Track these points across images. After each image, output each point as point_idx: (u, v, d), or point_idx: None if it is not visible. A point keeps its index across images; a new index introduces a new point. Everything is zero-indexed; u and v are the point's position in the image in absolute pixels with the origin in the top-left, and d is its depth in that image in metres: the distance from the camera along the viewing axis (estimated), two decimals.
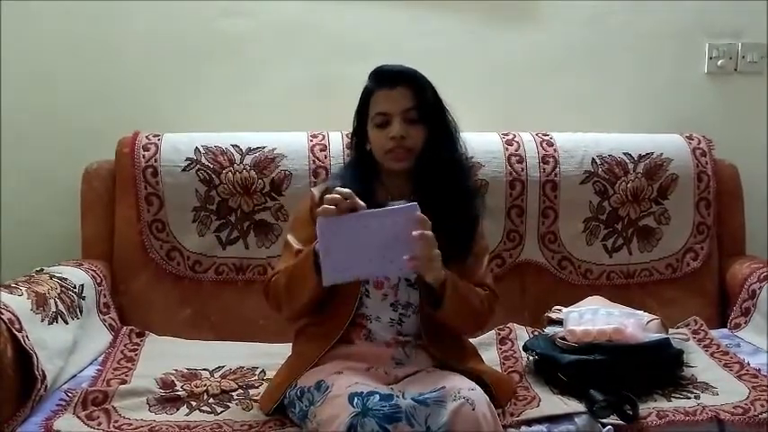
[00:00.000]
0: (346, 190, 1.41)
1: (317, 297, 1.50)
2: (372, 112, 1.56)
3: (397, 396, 1.38)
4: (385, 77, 1.56)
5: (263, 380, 1.72)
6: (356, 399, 1.35)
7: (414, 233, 1.38)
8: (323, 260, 1.38)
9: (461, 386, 1.41)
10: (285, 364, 1.62)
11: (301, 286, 1.49)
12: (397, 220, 1.38)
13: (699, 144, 2.19)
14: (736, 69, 2.34)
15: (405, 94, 1.54)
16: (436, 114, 1.58)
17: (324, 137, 2.08)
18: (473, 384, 1.44)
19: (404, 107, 1.54)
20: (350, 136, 1.66)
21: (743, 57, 2.33)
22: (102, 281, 1.93)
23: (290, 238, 1.60)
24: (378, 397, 1.35)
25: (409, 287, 1.56)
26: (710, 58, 2.33)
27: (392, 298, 1.57)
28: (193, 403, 1.61)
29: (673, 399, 1.62)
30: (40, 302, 1.66)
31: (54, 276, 1.79)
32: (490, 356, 1.81)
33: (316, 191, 1.62)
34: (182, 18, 2.20)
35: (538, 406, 1.57)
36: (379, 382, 1.46)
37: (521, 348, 1.83)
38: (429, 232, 1.40)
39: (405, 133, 1.53)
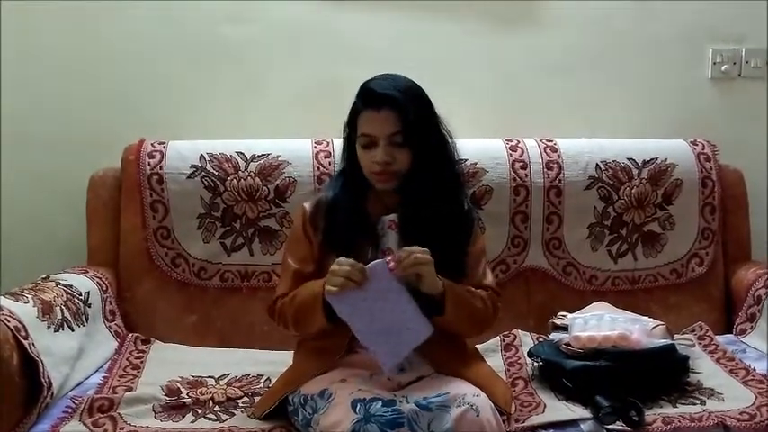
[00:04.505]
0: (350, 261, 1.43)
1: (325, 329, 1.51)
2: (359, 131, 1.55)
3: (400, 401, 1.38)
4: (371, 98, 1.53)
5: (268, 387, 1.72)
6: (359, 405, 1.36)
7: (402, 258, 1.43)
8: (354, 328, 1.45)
9: (466, 392, 1.41)
10: (284, 373, 1.62)
11: (310, 322, 1.51)
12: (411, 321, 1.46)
13: (703, 149, 2.19)
14: (739, 74, 2.34)
15: (389, 118, 1.51)
16: (423, 136, 1.54)
17: (328, 144, 2.09)
18: (477, 390, 1.44)
19: (389, 131, 1.51)
20: (343, 145, 1.65)
21: (746, 62, 2.33)
22: (107, 288, 1.93)
23: (288, 258, 1.62)
24: (380, 403, 1.36)
25: None
26: (714, 64, 2.33)
27: None
28: (199, 410, 1.61)
29: (678, 405, 1.62)
30: (46, 310, 1.67)
31: (60, 284, 1.79)
32: (495, 363, 1.80)
33: (307, 205, 1.63)
34: (186, 25, 2.21)
35: (543, 412, 1.56)
36: (382, 389, 1.46)
37: (525, 354, 1.83)
38: (411, 255, 1.43)
39: (390, 158, 1.52)
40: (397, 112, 1.51)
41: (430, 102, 1.57)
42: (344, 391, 1.42)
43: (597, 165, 2.11)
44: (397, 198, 1.59)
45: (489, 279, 1.63)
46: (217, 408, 1.63)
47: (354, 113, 1.56)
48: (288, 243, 1.70)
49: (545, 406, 1.59)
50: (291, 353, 1.67)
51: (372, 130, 1.52)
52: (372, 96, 1.53)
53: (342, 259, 1.44)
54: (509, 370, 1.80)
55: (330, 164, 2.04)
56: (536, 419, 1.54)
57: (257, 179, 2.03)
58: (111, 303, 1.94)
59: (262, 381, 1.75)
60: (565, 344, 1.71)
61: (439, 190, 1.56)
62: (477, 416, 1.35)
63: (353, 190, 1.59)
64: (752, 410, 1.58)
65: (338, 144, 2.07)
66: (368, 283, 1.42)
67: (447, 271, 1.51)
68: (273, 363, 1.79)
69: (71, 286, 1.81)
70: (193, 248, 2.01)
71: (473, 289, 1.56)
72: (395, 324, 1.45)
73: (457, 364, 1.56)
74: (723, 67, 2.33)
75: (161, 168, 2.02)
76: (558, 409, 1.58)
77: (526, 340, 1.92)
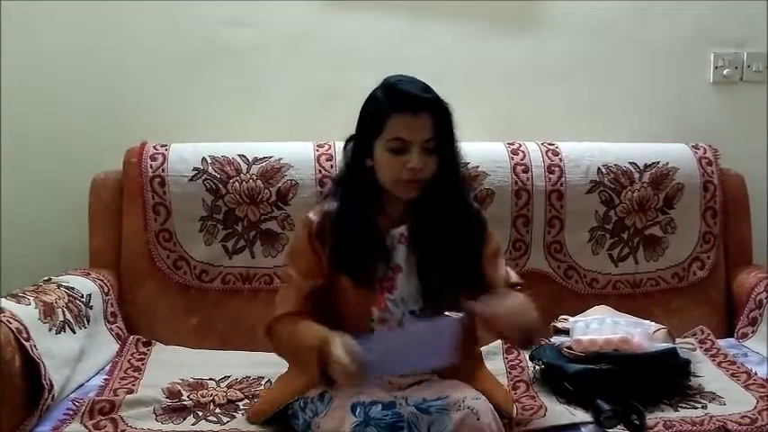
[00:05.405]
0: (351, 352, 1.32)
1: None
2: (389, 135, 1.44)
3: (400, 404, 1.37)
4: (407, 102, 1.44)
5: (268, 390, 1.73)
6: (358, 408, 1.35)
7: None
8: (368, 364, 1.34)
9: (466, 395, 1.40)
10: (281, 380, 1.58)
11: (303, 371, 1.44)
12: (436, 331, 1.36)
13: (705, 153, 2.19)
14: (741, 79, 2.33)
15: (426, 123, 1.44)
16: (451, 142, 1.49)
17: (330, 146, 2.09)
18: (478, 394, 1.43)
19: (425, 137, 1.44)
20: (346, 146, 1.54)
21: (748, 66, 2.33)
22: (109, 290, 1.93)
23: (291, 270, 1.53)
24: (380, 406, 1.36)
25: (412, 316, 1.51)
26: (716, 68, 2.33)
27: (395, 324, 1.51)
28: (200, 413, 1.61)
29: (680, 409, 1.62)
30: (48, 312, 1.67)
31: (62, 286, 1.80)
32: (496, 366, 1.81)
33: (313, 217, 1.53)
34: (188, 28, 2.21)
35: (544, 416, 1.56)
36: (383, 391, 1.45)
37: (527, 358, 1.83)
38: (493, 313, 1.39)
39: (423, 165, 1.44)
40: (433, 118, 1.45)
41: None
42: (344, 395, 1.41)
43: (599, 168, 2.11)
44: (405, 210, 1.51)
45: (513, 276, 1.57)
46: (218, 410, 1.63)
47: (382, 116, 1.45)
48: (291, 256, 1.58)
49: (546, 409, 1.59)
50: None
51: (408, 134, 1.43)
52: (409, 99, 1.44)
53: (337, 358, 1.32)
54: (510, 373, 1.80)
55: (332, 167, 2.04)
56: (537, 423, 1.54)
57: (259, 182, 2.03)
58: (112, 306, 1.94)
59: (262, 383, 1.75)
60: (566, 347, 1.71)
61: (452, 198, 1.50)
62: (478, 419, 1.35)
63: (364, 201, 1.49)
64: (753, 415, 1.58)
65: (340, 147, 2.09)
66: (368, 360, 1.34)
67: (466, 278, 1.47)
68: (274, 364, 1.76)
69: (73, 288, 1.81)
70: (195, 251, 2.01)
71: (521, 297, 1.49)
72: (418, 344, 1.36)
73: (458, 367, 1.55)
74: (725, 72, 2.33)
75: (163, 171, 2.02)
76: (560, 412, 1.58)
77: None
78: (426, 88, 1.47)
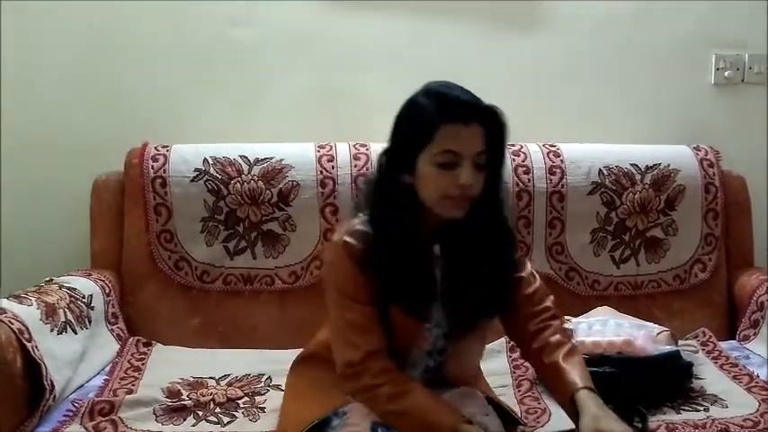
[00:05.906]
0: None
1: None
2: (437, 147, 1.29)
3: None
4: (460, 110, 1.29)
5: (269, 386, 1.73)
6: (379, 429, 1.33)
7: None
8: None
9: (475, 411, 1.39)
10: (308, 395, 1.48)
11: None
12: None
13: (706, 155, 2.19)
14: (743, 80, 2.34)
15: (478, 134, 1.30)
16: (501, 158, 1.36)
17: (331, 147, 2.09)
18: (488, 409, 1.42)
19: (477, 149, 1.30)
20: (382, 159, 1.37)
21: (750, 68, 2.33)
22: (110, 291, 1.93)
23: (351, 303, 1.36)
24: None
25: (443, 339, 1.44)
26: (717, 69, 2.33)
27: (429, 346, 1.43)
28: (200, 413, 1.61)
29: (682, 411, 1.62)
30: (50, 312, 1.67)
31: (63, 286, 1.80)
32: (500, 365, 1.81)
33: (351, 240, 1.35)
34: (190, 29, 2.21)
35: (548, 420, 1.56)
36: None
37: None
38: None
39: (474, 181, 1.30)
40: (485, 128, 1.31)
41: None
42: (358, 412, 1.37)
43: (600, 170, 2.11)
44: (436, 227, 1.37)
45: (536, 279, 1.48)
46: (218, 409, 1.63)
47: (430, 126, 1.29)
48: (340, 286, 1.37)
49: (550, 413, 1.59)
50: (293, 351, 1.60)
51: (459, 146, 1.29)
52: (464, 108, 1.30)
53: None
54: (515, 372, 1.80)
55: (333, 167, 2.04)
56: (541, 430, 1.53)
57: (260, 183, 2.03)
58: (113, 306, 1.93)
59: (262, 380, 1.76)
60: None
61: (493, 220, 1.38)
62: None
63: (404, 221, 1.34)
64: (755, 417, 1.58)
65: (341, 148, 2.09)
66: None
67: (499, 291, 1.41)
68: (274, 362, 1.79)
69: (74, 289, 1.81)
70: (196, 252, 2.01)
71: (572, 348, 1.44)
72: None
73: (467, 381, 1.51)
74: (726, 73, 2.33)
75: (164, 172, 2.02)
76: (563, 416, 1.56)
77: None
78: (480, 100, 1.34)
